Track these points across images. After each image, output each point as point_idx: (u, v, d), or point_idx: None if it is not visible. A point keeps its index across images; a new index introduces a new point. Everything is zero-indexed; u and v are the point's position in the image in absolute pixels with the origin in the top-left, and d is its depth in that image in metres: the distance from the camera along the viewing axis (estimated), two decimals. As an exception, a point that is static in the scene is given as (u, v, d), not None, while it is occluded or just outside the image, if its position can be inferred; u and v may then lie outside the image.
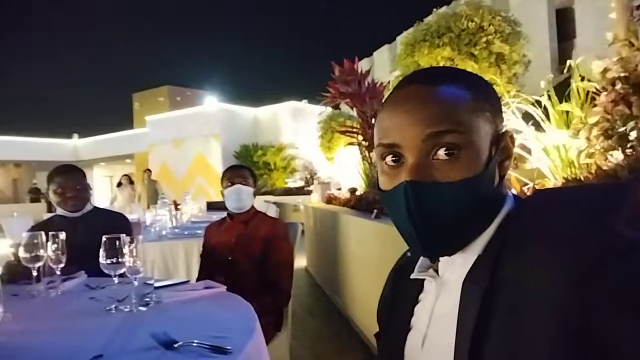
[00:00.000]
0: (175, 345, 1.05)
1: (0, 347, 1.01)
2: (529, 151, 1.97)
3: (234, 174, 2.35)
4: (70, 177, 2.29)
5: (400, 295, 0.73)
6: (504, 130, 0.65)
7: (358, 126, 4.71)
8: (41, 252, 1.69)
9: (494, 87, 2.13)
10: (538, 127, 1.95)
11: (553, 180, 1.85)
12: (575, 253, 0.47)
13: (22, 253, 1.68)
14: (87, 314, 1.41)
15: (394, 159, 0.62)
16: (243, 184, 2.31)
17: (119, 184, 9.47)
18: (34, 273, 1.70)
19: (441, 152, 0.59)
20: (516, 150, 2.09)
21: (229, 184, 2.31)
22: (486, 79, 2.16)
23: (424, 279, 0.69)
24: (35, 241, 1.68)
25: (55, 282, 1.75)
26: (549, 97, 1.92)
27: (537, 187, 1.75)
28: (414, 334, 0.68)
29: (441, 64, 2.45)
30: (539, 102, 2.02)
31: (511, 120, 1.97)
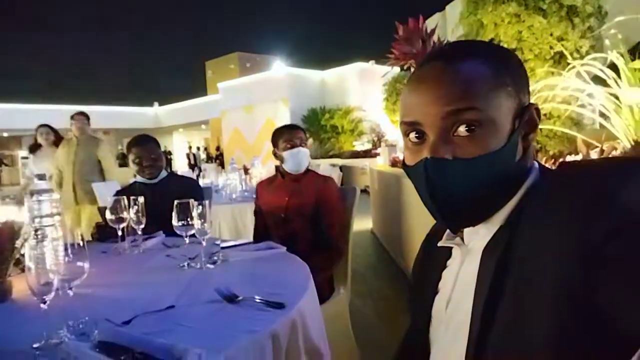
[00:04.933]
0: (236, 300, 1.16)
1: (87, 298, 1.19)
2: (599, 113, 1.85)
3: (292, 135, 2.28)
4: (145, 147, 2.47)
5: (431, 260, 0.78)
6: (528, 102, 0.65)
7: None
8: (124, 214, 1.90)
9: (565, 43, 2.00)
10: (608, 86, 1.82)
11: (625, 141, 1.74)
12: (582, 226, 0.49)
13: (108, 215, 1.90)
14: (163, 270, 1.58)
15: (416, 135, 0.65)
16: (303, 146, 2.27)
17: (34, 147, 4.83)
18: (119, 233, 1.91)
19: (461, 129, 0.60)
20: (582, 110, 1.97)
21: (288, 145, 2.25)
22: (556, 34, 2.03)
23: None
24: (119, 205, 1.89)
25: (137, 241, 1.95)
26: (621, 55, 1.77)
27: (604, 149, 1.66)
28: (440, 297, 0.72)
29: (506, 21, 2.33)
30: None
31: (577, 81, 1.85)
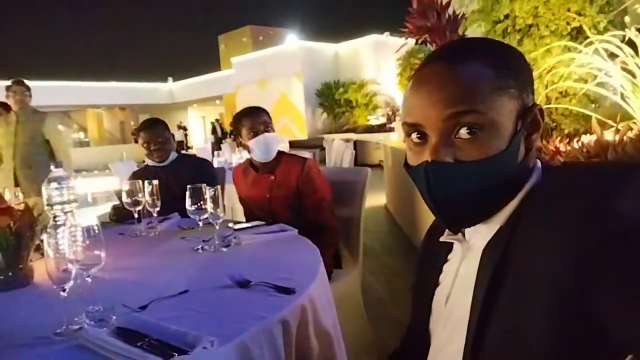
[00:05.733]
0: (248, 285, 1.20)
1: (105, 282, 1.23)
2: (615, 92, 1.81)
3: (254, 122, 2.07)
4: (153, 131, 2.47)
5: (433, 253, 0.79)
6: (532, 103, 0.64)
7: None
8: (140, 196, 1.94)
9: (582, 18, 1.93)
10: (625, 64, 1.77)
11: (642, 122, 1.71)
12: (577, 233, 0.49)
13: (124, 198, 1.94)
14: (178, 253, 1.63)
15: (418, 136, 0.65)
16: (267, 131, 2.07)
17: None
18: (135, 215, 1.96)
19: (463, 132, 0.60)
20: (598, 89, 1.93)
21: (252, 133, 2.05)
22: (573, 9, 1.96)
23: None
24: (134, 188, 1.93)
25: (153, 223, 2.00)
26: (639, 31, 1.71)
27: (620, 129, 1.64)
28: (440, 290, 0.74)
29: (522, -5, 2.26)
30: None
31: (590, 58, 1.80)
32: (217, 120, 20.70)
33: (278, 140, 2.13)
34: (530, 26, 2.34)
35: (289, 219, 2.01)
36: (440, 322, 0.72)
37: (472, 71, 0.61)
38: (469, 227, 0.67)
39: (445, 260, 0.75)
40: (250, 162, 2.23)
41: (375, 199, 6.12)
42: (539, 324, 0.51)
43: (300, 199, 2.09)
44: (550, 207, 0.55)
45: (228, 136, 19.04)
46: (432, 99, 0.61)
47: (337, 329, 1.29)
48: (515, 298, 0.56)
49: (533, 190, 0.63)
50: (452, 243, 0.74)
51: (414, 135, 0.65)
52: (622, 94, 1.83)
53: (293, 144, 6.79)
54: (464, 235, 0.71)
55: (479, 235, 0.67)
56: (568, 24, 2.19)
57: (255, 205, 2.23)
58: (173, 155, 2.55)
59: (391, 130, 10.42)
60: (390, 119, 12.74)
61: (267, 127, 2.09)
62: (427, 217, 3.64)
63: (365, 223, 2.32)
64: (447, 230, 0.73)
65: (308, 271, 1.30)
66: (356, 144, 10.66)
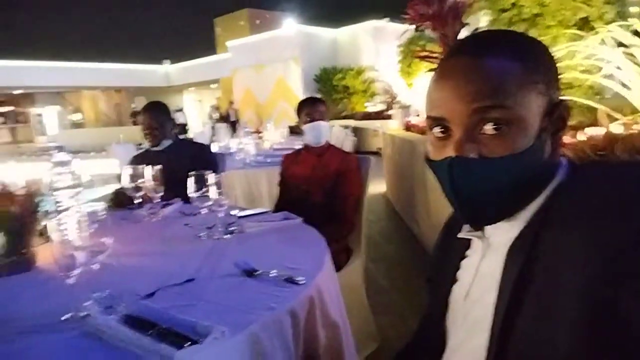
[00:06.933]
0: (254, 274, 1.19)
1: (110, 268, 1.21)
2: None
3: (311, 109, 2.38)
4: (148, 115, 2.46)
5: (450, 248, 0.78)
6: (559, 99, 0.63)
7: (441, 50, 4.45)
8: (141, 181, 1.92)
9: (588, 9, 1.91)
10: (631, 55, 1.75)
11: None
12: (609, 232, 0.48)
13: (126, 183, 1.93)
14: (181, 240, 1.61)
15: (441, 130, 0.63)
16: (322, 119, 2.37)
17: None
18: (137, 201, 1.95)
19: (488, 127, 0.59)
20: (604, 81, 1.92)
21: (308, 119, 2.36)
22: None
23: None
24: (136, 173, 1.92)
25: (155, 209, 1.99)
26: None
27: (627, 122, 1.63)
28: (458, 286, 0.73)
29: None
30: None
31: (597, 49, 1.79)
32: (230, 102, 18.78)
33: (328, 129, 2.41)
34: (537, 16, 2.31)
35: (321, 202, 2.22)
36: (458, 319, 0.71)
37: (499, 65, 0.59)
38: (492, 224, 0.66)
39: (463, 256, 0.74)
40: (305, 146, 2.49)
41: (374, 187, 6.10)
42: (568, 326, 0.50)
43: (335, 187, 2.25)
44: (580, 206, 0.54)
45: (225, 121, 18.28)
46: (458, 93, 0.60)
47: (344, 319, 1.28)
48: (543, 300, 0.54)
49: (559, 189, 0.61)
50: (470, 239, 0.73)
51: (437, 130, 0.64)
52: (628, 86, 1.82)
53: (293, 130, 6.66)
54: (483, 231, 0.70)
55: (500, 232, 0.66)
56: (574, 14, 2.16)
57: (295, 181, 2.40)
58: (167, 141, 2.50)
59: (389, 117, 10.37)
60: (388, 106, 12.66)
61: (322, 116, 2.38)
62: (427, 206, 3.65)
63: (365, 212, 2.33)
64: (465, 225, 0.72)
65: (315, 261, 1.29)
66: (355, 133, 10.60)
